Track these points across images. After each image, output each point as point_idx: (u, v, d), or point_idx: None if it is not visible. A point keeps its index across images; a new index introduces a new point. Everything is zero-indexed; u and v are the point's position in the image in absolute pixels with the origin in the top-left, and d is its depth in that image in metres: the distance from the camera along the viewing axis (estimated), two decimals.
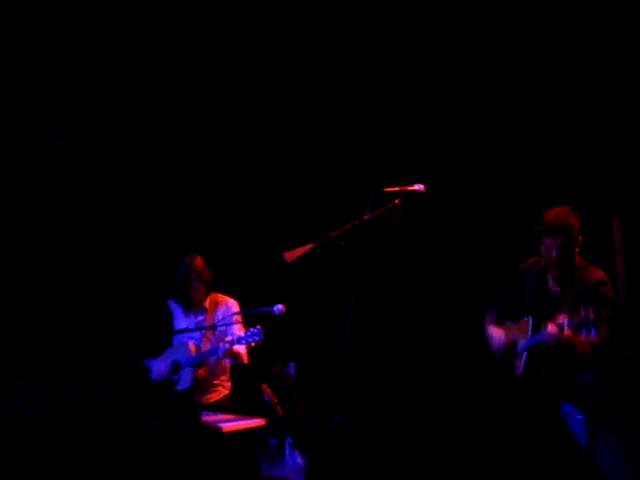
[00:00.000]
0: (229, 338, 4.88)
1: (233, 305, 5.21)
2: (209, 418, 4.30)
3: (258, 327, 4.74)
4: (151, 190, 6.15)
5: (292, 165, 6.43)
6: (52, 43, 5.56)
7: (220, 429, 3.73)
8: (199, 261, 5.18)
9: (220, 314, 5.17)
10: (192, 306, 5.22)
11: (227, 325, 5.04)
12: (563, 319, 3.96)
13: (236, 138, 6.47)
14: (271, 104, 6.31)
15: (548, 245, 4.31)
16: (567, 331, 3.91)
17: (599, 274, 4.28)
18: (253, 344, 4.77)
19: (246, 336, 4.76)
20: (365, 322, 3.55)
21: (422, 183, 3.81)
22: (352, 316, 3.38)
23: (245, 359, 5.04)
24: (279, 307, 4.75)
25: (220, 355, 4.90)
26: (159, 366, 5.20)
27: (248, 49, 6.13)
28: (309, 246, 3.46)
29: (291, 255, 3.45)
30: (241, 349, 4.99)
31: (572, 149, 5.67)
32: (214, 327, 5.07)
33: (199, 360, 5.05)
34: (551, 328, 3.99)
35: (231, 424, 4.26)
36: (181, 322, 5.29)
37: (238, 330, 5.05)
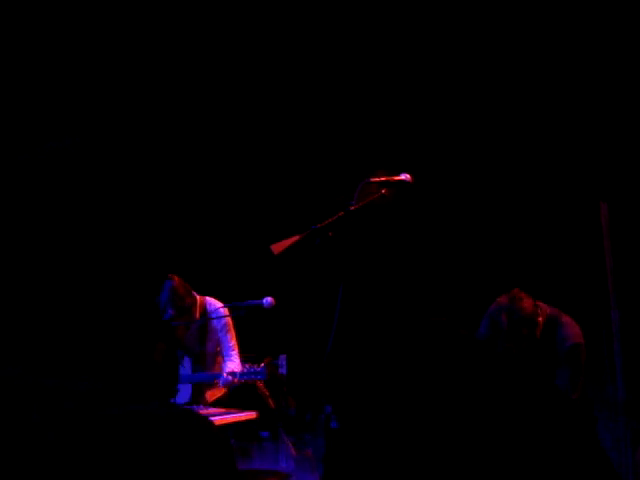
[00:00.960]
0: (229, 369, 4.83)
1: (221, 310, 5.10)
2: (200, 411, 4.28)
3: (262, 365, 4.65)
4: (133, 186, 6.10)
5: (277, 158, 6.40)
6: (52, 42, 5.51)
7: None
8: (173, 292, 4.87)
9: (215, 322, 5.08)
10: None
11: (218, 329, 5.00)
12: None
13: (220, 132, 6.43)
14: (256, 98, 6.27)
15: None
16: None
17: (576, 334, 4.14)
18: (258, 384, 4.77)
19: (248, 373, 4.67)
20: (353, 312, 3.55)
21: (408, 173, 3.79)
22: (340, 307, 3.36)
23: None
24: (268, 300, 4.73)
25: (221, 385, 4.84)
26: None
27: (232, 43, 6.10)
28: (296, 237, 3.45)
29: (278, 247, 3.43)
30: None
31: (559, 136, 5.67)
32: (205, 319, 4.99)
33: (197, 381, 5.02)
34: None
35: (222, 417, 4.25)
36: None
37: (231, 338, 5.02)
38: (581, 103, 5.59)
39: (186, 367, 5.08)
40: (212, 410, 4.44)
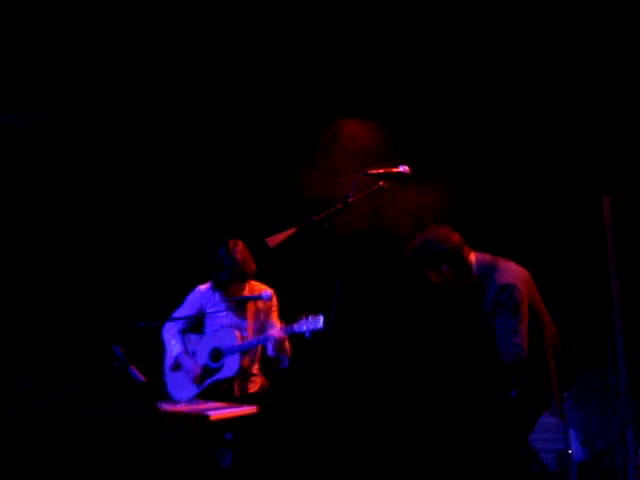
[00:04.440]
0: (280, 325, 4.70)
1: (271, 295, 4.92)
2: (199, 406, 4.26)
3: (320, 315, 4.47)
4: (132, 177, 6.07)
5: (272, 151, 6.36)
6: (54, 34, 5.50)
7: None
8: (244, 254, 4.86)
9: (261, 304, 4.97)
10: (230, 294, 4.96)
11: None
12: None
13: (213, 125, 6.39)
14: (249, 93, 6.23)
15: None
16: None
17: (507, 276, 4.10)
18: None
19: (307, 323, 4.48)
20: (351, 305, 3.53)
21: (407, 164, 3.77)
22: (337, 299, 3.35)
23: (289, 351, 4.81)
24: (267, 293, 4.72)
25: (271, 343, 4.69)
26: (195, 355, 4.99)
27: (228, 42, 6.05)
28: (292, 230, 3.43)
29: (273, 240, 3.41)
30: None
31: (562, 129, 5.64)
32: (242, 300, 4.87)
33: (248, 347, 4.84)
34: None
35: (221, 412, 4.22)
36: (218, 309, 5.01)
37: (276, 319, 4.94)
38: (584, 97, 5.56)
39: (231, 338, 4.87)
40: (211, 404, 4.41)
